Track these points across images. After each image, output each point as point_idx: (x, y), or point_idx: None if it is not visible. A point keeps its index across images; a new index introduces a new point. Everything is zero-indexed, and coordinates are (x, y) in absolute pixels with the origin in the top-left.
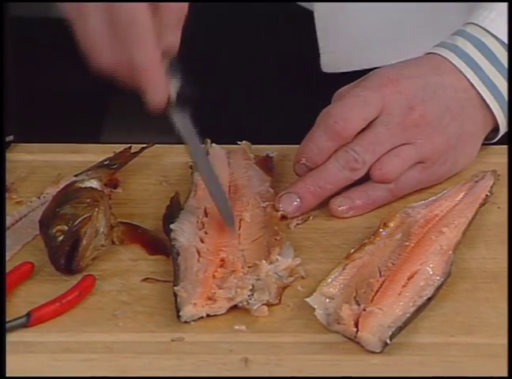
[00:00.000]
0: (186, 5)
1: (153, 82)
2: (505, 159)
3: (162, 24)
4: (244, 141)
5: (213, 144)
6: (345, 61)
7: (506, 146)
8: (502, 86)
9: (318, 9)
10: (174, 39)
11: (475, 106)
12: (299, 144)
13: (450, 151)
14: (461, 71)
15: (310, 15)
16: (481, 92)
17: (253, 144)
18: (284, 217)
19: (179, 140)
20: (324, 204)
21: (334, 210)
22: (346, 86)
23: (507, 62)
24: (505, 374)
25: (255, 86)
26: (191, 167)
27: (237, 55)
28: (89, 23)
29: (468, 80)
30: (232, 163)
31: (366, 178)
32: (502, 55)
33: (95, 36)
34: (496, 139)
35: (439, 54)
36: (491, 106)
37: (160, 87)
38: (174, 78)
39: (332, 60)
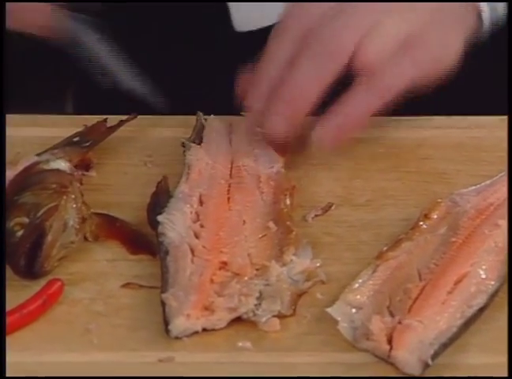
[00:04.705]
0: None
1: None
2: None
3: None
4: None
5: (211, 116)
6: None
7: None
8: None
9: None
10: None
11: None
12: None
13: (427, 29)
14: None
15: None
16: None
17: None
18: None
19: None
20: (347, 190)
21: (320, 141)
22: None
23: (507, 60)
24: None
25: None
26: (183, 145)
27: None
28: None
29: None
30: (235, 139)
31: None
32: None
33: None
34: (484, 28)
35: None
36: None
37: None
38: None
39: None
